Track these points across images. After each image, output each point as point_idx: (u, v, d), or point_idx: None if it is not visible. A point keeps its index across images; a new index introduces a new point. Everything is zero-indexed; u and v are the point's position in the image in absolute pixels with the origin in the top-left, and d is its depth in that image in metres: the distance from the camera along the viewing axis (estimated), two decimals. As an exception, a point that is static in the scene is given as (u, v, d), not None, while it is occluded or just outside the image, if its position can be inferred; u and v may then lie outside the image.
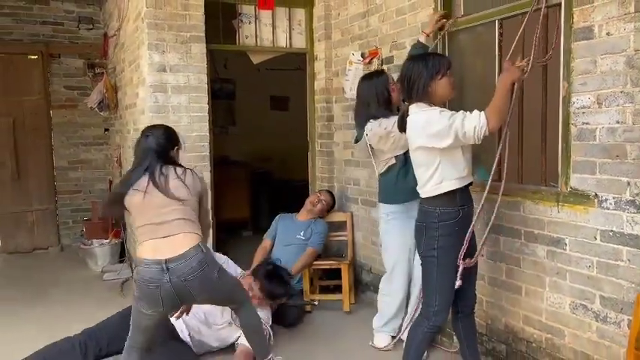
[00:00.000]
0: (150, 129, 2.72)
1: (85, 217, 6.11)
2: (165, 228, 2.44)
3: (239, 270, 3.59)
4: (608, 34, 2.30)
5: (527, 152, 2.86)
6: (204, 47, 4.06)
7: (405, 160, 3.13)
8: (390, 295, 3.37)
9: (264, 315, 3.30)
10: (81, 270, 5.29)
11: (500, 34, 2.94)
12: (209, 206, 2.79)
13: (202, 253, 2.46)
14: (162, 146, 2.60)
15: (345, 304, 4.03)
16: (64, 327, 3.25)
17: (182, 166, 2.63)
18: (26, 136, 6.00)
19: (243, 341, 3.08)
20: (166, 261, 2.38)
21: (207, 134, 4.15)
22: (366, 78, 3.41)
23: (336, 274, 4.19)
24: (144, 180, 2.50)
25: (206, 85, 4.11)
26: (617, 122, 2.29)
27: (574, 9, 2.43)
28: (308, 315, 3.96)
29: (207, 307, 3.15)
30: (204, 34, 4.05)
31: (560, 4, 2.52)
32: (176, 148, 2.73)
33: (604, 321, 2.41)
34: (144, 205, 2.47)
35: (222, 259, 3.44)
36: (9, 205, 5.93)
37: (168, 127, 2.79)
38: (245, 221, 6.90)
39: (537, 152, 2.78)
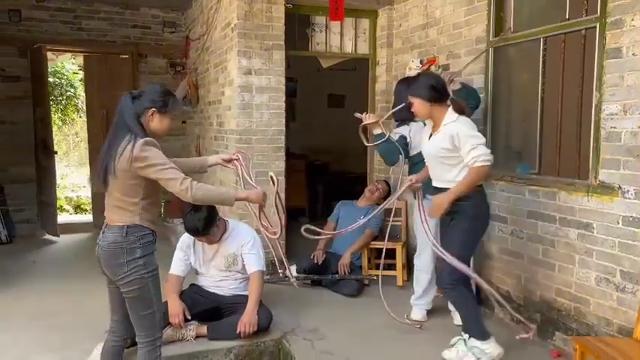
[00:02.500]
0: (135, 91, 2.52)
1: (165, 199, 6.89)
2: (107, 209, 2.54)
3: (261, 253, 3.63)
4: (633, 54, 2.80)
5: (564, 151, 3.37)
6: (283, 53, 4.70)
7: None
8: (420, 272, 3.87)
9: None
10: (164, 245, 6.04)
11: (545, 50, 3.45)
12: (165, 175, 2.37)
13: (121, 236, 2.44)
14: (125, 116, 2.40)
15: (398, 280, 4.61)
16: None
17: (136, 139, 2.35)
18: (117, 126, 6.82)
19: (251, 269, 3.52)
20: (106, 225, 2.51)
21: (283, 128, 4.80)
22: (401, 82, 3.91)
23: (391, 254, 4.78)
24: None
25: (283, 86, 4.76)
26: (639, 127, 2.79)
27: (606, 32, 2.93)
28: (366, 288, 4.56)
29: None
30: (283, 43, 4.70)
31: (595, 27, 3.02)
32: (152, 110, 2.43)
33: (623, 291, 2.91)
34: None
35: (247, 236, 3.59)
36: (101, 186, 6.77)
37: (155, 86, 2.56)
38: (303, 209, 7.53)
39: (573, 151, 3.28)
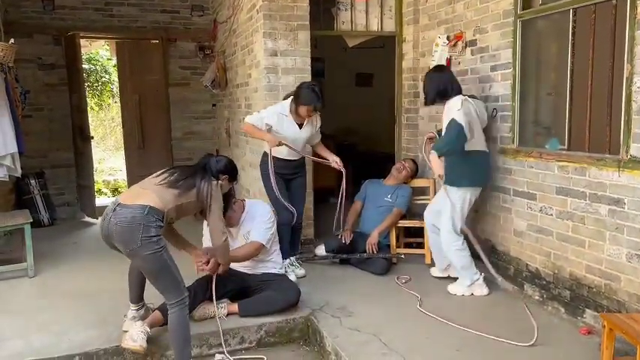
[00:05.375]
0: (218, 156, 3.35)
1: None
2: (145, 183, 2.99)
3: (268, 233, 3.65)
4: (667, 24, 2.70)
5: (594, 125, 3.29)
6: (308, 34, 4.70)
7: None
8: None
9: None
10: (197, 224, 6.21)
11: (574, 22, 3.35)
12: (214, 219, 3.04)
13: (142, 214, 2.74)
14: (214, 168, 3.15)
15: (426, 258, 4.62)
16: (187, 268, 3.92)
17: (212, 181, 3.02)
18: (149, 110, 6.99)
19: (252, 237, 3.58)
20: (119, 204, 2.84)
21: (310, 109, 4.81)
22: (433, 71, 4.05)
23: (419, 232, 4.79)
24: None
25: (309, 67, 4.77)
26: (672, 99, 2.70)
27: (638, 2, 2.83)
28: (394, 266, 4.59)
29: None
30: (308, 23, 4.69)
31: (627, -3, 2.91)
32: (225, 176, 3.21)
33: (654, 267, 2.86)
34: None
35: (261, 212, 3.69)
36: (136, 169, 6.99)
37: (231, 160, 3.35)
38: (332, 189, 7.55)
39: (603, 125, 3.20)
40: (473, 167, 3.80)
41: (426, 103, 4.04)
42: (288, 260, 4.27)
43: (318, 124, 4.26)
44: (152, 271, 2.86)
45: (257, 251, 3.60)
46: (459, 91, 3.80)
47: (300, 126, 4.13)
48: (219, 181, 3.14)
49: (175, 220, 3.11)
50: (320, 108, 4.06)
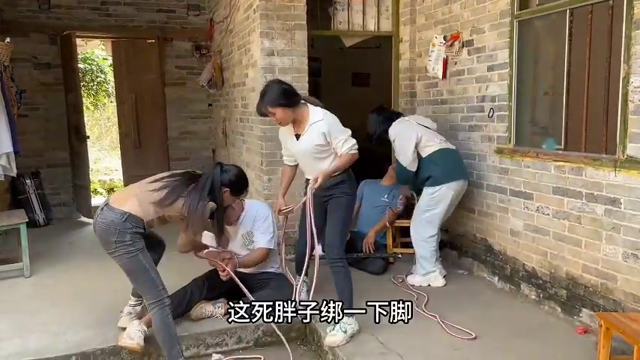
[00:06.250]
0: (227, 166, 3.19)
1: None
2: (137, 187, 3.04)
3: (273, 235, 3.67)
4: (663, 24, 2.71)
5: (591, 125, 3.30)
6: (305, 34, 4.69)
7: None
8: None
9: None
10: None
11: (571, 22, 3.37)
12: (188, 235, 3.08)
13: (119, 220, 2.82)
14: (218, 180, 3.04)
15: (423, 257, 4.62)
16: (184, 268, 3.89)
17: (206, 201, 2.92)
18: (145, 110, 6.97)
19: (258, 245, 3.60)
20: (107, 204, 2.94)
21: (307, 109, 4.80)
22: (372, 112, 4.50)
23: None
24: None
25: (306, 67, 4.76)
26: (668, 100, 2.71)
27: (635, 2, 2.84)
28: (391, 265, 4.59)
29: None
30: (305, 23, 4.68)
31: (623, -2, 2.93)
32: (227, 190, 3.10)
33: (650, 267, 2.87)
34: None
35: (261, 213, 3.70)
36: (132, 169, 6.97)
37: (240, 173, 3.21)
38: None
39: (600, 125, 3.21)
40: (436, 167, 4.03)
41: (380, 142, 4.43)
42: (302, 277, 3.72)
43: (322, 131, 3.17)
44: (127, 271, 2.95)
45: (264, 257, 3.64)
46: (399, 116, 4.37)
47: (298, 137, 3.30)
48: (222, 192, 3.09)
49: (161, 225, 3.10)
50: (264, 111, 3.21)
